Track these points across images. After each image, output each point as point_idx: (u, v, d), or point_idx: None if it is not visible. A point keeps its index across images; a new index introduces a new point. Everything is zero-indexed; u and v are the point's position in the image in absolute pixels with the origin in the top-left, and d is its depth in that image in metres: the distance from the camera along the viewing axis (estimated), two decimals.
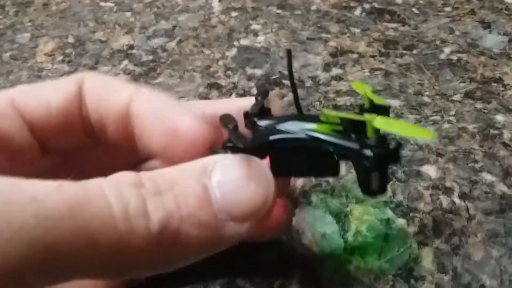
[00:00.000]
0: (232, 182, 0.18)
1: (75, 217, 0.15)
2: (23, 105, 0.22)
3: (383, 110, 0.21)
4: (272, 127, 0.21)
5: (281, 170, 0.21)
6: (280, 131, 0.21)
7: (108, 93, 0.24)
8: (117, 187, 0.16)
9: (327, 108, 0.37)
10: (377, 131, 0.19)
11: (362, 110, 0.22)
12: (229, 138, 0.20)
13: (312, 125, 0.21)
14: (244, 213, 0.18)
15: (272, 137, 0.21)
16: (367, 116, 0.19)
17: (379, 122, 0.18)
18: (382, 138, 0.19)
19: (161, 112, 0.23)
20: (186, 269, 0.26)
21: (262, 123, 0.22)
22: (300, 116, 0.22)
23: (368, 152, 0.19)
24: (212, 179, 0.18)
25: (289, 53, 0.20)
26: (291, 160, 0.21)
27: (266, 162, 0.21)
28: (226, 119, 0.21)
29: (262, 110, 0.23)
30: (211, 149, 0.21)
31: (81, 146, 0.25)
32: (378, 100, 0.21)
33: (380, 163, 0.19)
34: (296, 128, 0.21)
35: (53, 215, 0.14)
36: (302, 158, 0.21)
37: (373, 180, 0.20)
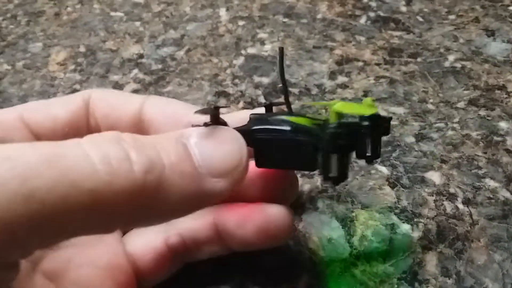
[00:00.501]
0: (208, 143, 0.20)
1: (53, 167, 0.15)
2: (31, 119, 0.24)
3: (376, 121, 0.22)
4: (258, 119, 0.23)
5: (263, 161, 0.23)
6: (264, 122, 0.23)
7: (119, 102, 0.25)
8: (95, 142, 0.17)
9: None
10: (339, 115, 0.22)
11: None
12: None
13: (295, 118, 0.22)
14: (221, 169, 0.20)
15: (254, 127, 0.23)
16: (329, 102, 0.21)
17: (338, 106, 0.21)
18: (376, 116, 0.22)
19: (174, 112, 0.24)
20: (195, 272, 0.27)
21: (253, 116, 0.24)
22: (289, 112, 0.23)
23: (365, 122, 0.22)
24: (190, 141, 0.20)
25: (281, 51, 0.21)
26: (273, 151, 0.23)
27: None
28: (206, 110, 0.22)
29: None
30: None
31: None
32: (367, 110, 0.22)
33: (374, 130, 0.22)
34: (279, 120, 0.22)
35: (29, 167, 0.15)
36: (283, 150, 0.23)
37: (368, 145, 0.22)
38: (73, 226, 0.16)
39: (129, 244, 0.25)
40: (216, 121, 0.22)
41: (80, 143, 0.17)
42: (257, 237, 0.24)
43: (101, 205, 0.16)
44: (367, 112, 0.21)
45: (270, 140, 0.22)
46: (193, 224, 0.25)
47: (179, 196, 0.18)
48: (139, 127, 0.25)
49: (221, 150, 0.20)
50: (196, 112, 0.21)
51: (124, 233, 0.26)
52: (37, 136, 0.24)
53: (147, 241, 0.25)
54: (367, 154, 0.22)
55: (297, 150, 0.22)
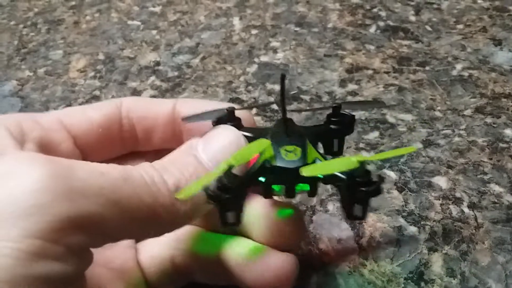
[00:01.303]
0: (210, 138, 0.24)
1: (128, 184, 0.20)
2: (68, 121, 0.26)
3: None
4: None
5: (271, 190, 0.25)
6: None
7: (152, 105, 0.28)
8: (143, 167, 0.22)
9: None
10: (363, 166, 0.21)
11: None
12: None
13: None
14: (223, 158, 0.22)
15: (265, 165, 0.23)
16: (355, 157, 0.21)
17: (304, 171, 0.21)
18: (367, 174, 0.22)
19: (204, 106, 0.27)
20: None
21: None
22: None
23: (357, 189, 0.22)
24: (198, 149, 0.23)
25: (282, 77, 0.22)
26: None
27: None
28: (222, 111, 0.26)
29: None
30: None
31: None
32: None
33: (365, 199, 0.22)
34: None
35: (115, 183, 0.20)
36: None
37: (357, 210, 0.23)
38: (136, 230, 0.21)
39: (139, 252, 0.27)
40: (232, 119, 0.25)
41: (135, 167, 0.21)
42: (257, 284, 0.25)
43: (153, 212, 0.21)
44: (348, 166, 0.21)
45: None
46: (200, 252, 0.27)
47: (199, 196, 0.21)
48: (174, 125, 0.28)
49: (220, 137, 0.24)
50: (214, 112, 0.25)
51: (137, 241, 0.28)
52: (74, 136, 0.26)
53: (155, 254, 0.27)
54: (358, 215, 0.23)
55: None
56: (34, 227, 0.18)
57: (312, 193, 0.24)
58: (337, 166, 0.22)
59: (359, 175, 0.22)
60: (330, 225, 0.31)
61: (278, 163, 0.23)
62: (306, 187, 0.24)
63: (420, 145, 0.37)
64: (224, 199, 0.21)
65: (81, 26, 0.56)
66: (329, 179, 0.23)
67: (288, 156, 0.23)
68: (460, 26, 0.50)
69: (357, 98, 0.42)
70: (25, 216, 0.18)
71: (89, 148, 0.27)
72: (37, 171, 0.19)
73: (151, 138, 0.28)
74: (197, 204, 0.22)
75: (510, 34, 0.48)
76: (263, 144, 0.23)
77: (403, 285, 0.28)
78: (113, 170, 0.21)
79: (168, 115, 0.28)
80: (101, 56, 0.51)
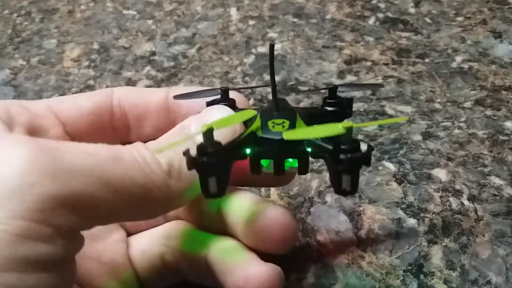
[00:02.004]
0: (203, 116, 0.23)
1: (119, 165, 0.20)
2: (59, 108, 0.26)
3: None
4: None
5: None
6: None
7: (146, 93, 0.28)
8: (134, 147, 0.21)
9: None
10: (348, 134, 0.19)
11: None
12: None
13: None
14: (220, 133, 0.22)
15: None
16: (341, 125, 0.19)
17: (286, 134, 0.21)
18: (355, 142, 0.20)
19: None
20: None
21: None
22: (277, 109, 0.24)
23: (342, 156, 0.19)
24: (191, 128, 0.23)
25: (271, 47, 0.22)
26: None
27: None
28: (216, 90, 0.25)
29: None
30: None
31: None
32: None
33: (352, 167, 0.20)
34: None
35: (105, 163, 0.19)
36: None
37: (345, 181, 0.20)
38: (128, 211, 0.21)
39: (130, 247, 0.27)
40: (226, 99, 0.24)
41: (127, 147, 0.21)
42: None
43: (146, 191, 0.20)
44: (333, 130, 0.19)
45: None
46: (189, 251, 0.26)
47: (195, 175, 0.21)
48: (167, 114, 0.27)
49: (219, 130, 0.22)
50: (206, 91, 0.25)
51: (129, 235, 0.27)
52: (64, 122, 0.25)
53: (146, 250, 0.26)
54: (347, 190, 0.20)
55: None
56: (20, 207, 0.17)
57: (302, 170, 0.23)
58: (321, 131, 0.20)
59: (346, 142, 0.19)
60: (328, 217, 0.31)
61: (264, 134, 0.22)
62: (295, 163, 0.23)
63: (420, 137, 0.36)
64: (203, 163, 0.19)
65: (76, 15, 0.56)
66: (316, 151, 0.22)
67: (275, 128, 0.22)
68: (460, 19, 0.50)
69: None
70: (9, 196, 0.17)
71: (79, 135, 0.26)
72: (23, 152, 0.18)
73: (143, 126, 0.28)
74: (192, 183, 0.22)
75: (510, 26, 0.48)
76: (248, 113, 0.23)
77: (402, 278, 0.27)
78: (102, 150, 0.20)
79: (161, 103, 0.27)
80: (95, 46, 0.50)
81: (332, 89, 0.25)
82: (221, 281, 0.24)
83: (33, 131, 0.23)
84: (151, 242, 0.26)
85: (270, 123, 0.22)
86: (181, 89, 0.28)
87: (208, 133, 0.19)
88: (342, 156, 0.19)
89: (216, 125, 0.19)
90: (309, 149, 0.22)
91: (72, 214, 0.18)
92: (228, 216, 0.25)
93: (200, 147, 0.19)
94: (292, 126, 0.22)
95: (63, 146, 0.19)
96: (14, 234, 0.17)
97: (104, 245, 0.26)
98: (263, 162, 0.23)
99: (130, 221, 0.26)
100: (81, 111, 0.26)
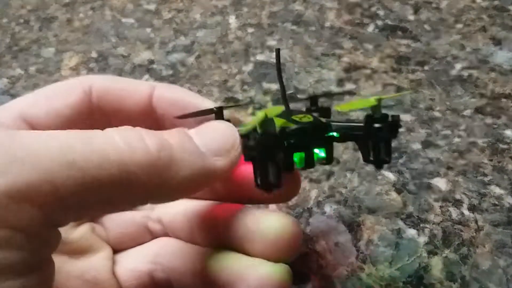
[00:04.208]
0: (206, 130, 0.22)
1: (87, 143, 0.18)
2: (33, 118, 0.24)
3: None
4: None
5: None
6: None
7: (126, 94, 0.26)
8: (118, 129, 0.19)
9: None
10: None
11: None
12: None
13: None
14: (219, 148, 0.22)
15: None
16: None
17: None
18: (384, 115, 0.22)
19: (183, 101, 0.26)
20: None
21: None
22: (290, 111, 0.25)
23: (378, 125, 0.22)
24: (190, 130, 0.22)
25: (277, 52, 0.23)
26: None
27: None
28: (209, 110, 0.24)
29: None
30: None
31: None
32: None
33: (390, 132, 0.22)
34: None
35: (70, 143, 0.17)
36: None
37: (382, 150, 0.22)
38: (105, 197, 0.18)
39: (117, 265, 0.26)
40: (220, 118, 0.24)
41: (105, 130, 0.19)
42: None
43: (126, 177, 0.18)
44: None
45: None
46: (181, 267, 0.25)
47: (188, 171, 0.20)
48: (151, 119, 0.26)
49: (216, 134, 0.22)
50: (201, 111, 0.24)
51: (115, 252, 0.27)
52: None
53: (134, 268, 0.25)
54: (385, 158, 0.22)
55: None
56: None
57: (329, 159, 0.24)
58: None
59: (376, 114, 0.22)
60: (328, 228, 0.31)
61: (296, 125, 0.23)
62: (322, 152, 0.24)
63: (419, 146, 0.36)
64: (267, 147, 0.21)
65: (74, 23, 0.55)
66: (345, 134, 0.23)
67: (303, 119, 0.23)
68: (459, 26, 0.50)
69: (355, 97, 0.41)
70: None
71: None
72: None
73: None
74: (189, 169, 0.20)
75: (510, 34, 0.48)
76: (276, 108, 0.24)
77: None
78: (70, 133, 0.18)
79: (143, 109, 0.26)
80: (94, 54, 0.50)
81: (313, 98, 0.26)
82: None
83: None
84: (138, 259, 0.26)
85: (295, 117, 0.23)
86: (166, 86, 0.27)
87: (268, 120, 0.20)
88: (378, 125, 0.22)
89: (269, 113, 0.21)
90: (336, 134, 0.23)
91: (32, 208, 0.16)
92: (231, 226, 0.24)
93: (262, 132, 0.20)
94: (314, 116, 0.23)
95: (21, 132, 0.18)
96: None
97: (88, 262, 0.25)
98: (295, 156, 0.23)
99: (109, 211, 0.25)
100: (58, 119, 0.24)
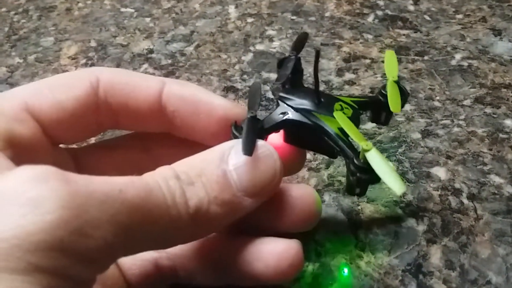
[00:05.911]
0: (245, 165, 0.22)
1: (144, 205, 0.19)
2: (36, 108, 0.23)
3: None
4: (292, 107, 0.26)
5: (292, 140, 0.27)
6: (296, 111, 0.26)
7: (135, 88, 0.25)
8: (165, 180, 0.20)
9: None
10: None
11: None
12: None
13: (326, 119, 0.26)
14: (257, 189, 0.22)
15: (287, 118, 0.26)
16: (363, 144, 0.23)
17: (370, 155, 0.23)
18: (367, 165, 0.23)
19: (194, 99, 0.26)
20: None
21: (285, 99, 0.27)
22: (318, 102, 0.27)
23: (354, 171, 0.24)
24: (229, 163, 0.22)
25: (317, 53, 0.25)
26: (301, 135, 0.27)
27: (281, 133, 0.27)
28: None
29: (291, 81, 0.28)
30: (232, 126, 0.25)
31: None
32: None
33: (362, 184, 0.25)
34: (309, 114, 0.26)
35: (132, 204, 0.18)
36: (310, 137, 0.26)
37: (356, 188, 0.26)
38: (147, 247, 0.21)
39: None
40: (254, 131, 0.24)
41: (156, 179, 0.20)
42: (265, 274, 0.24)
43: (168, 234, 0.20)
44: (395, 187, 0.23)
45: (301, 129, 0.26)
46: (189, 252, 0.25)
47: (219, 219, 0.22)
48: (160, 114, 0.25)
49: (256, 171, 0.22)
50: (237, 126, 0.24)
51: None
52: (43, 126, 0.23)
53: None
54: (357, 193, 0.26)
55: (322, 143, 0.26)
56: (45, 262, 0.16)
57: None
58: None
59: (359, 161, 0.24)
60: (326, 216, 0.31)
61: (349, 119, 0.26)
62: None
63: (419, 135, 0.36)
64: (366, 180, 0.24)
65: (73, 13, 0.55)
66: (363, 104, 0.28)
67: (346, 112, 0.26)
68: (460, 16, 0.49)
69: (354, 87, 0.41)
70: (34, 251, 0.16)
71: (60, 136, 0.24)
72: (52, 199, 0.16)
73: (134, 123, 0.26)
74: (215, 227, 0.22)
75: (510, 24, 0.48)
76: (343, 119, 0.25)
77: (400, 278, 0.27)
78: (132, 187, 0.19)
79: (155, 99, 0.25)
80: (93, 43, 0.49)
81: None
82: (242, 272, 0.24)
83: (10, 139, 0.21)
84: None
85: (339, 113, 0.26)
86: (177, 82, 0.26)
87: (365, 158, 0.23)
88: (356, 175, 0.24)
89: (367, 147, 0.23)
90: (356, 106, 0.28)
91: (88, 265, 0.17)
92: None
93: (365, 167, 0.23)
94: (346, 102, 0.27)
95: (93, 188, 0.18)
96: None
97: None
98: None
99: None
100: (63, 112, 0.23)
